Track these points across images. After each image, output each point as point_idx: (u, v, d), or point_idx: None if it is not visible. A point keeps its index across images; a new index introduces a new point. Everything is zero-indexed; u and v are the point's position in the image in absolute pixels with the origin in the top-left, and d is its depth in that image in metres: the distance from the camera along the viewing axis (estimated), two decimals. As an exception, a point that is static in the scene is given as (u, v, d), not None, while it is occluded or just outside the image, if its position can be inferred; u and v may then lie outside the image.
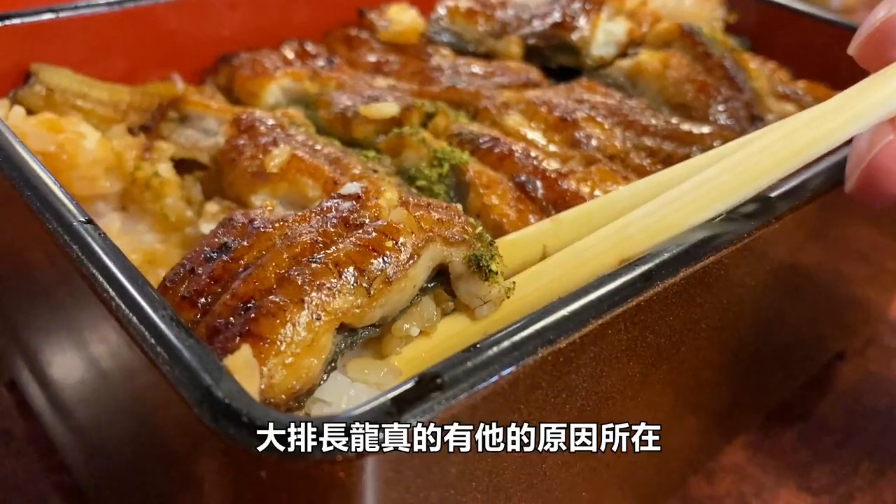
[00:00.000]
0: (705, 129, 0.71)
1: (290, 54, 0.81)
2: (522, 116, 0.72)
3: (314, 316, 0.41)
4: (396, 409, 0.35)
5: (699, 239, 0.48)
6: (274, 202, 0.49)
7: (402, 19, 0.88)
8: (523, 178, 0.62)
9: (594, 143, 0.69)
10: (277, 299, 0.41)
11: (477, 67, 0.81)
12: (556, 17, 0.85)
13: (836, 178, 0.56)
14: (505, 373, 0.37)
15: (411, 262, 0.44)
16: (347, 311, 0.42)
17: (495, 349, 0.38)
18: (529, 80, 0.80)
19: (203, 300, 0.43)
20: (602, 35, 0.84)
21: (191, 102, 0.71)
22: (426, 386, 0.36)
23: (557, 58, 0.85)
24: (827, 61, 0.92)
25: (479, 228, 0.49)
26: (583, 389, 0.44)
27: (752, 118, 0.75)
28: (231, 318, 0.41)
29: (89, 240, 0.43)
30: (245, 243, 0.45)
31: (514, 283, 0.48)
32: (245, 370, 0.36)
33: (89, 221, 0.45)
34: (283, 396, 0.40)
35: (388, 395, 0.35)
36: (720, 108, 0.75)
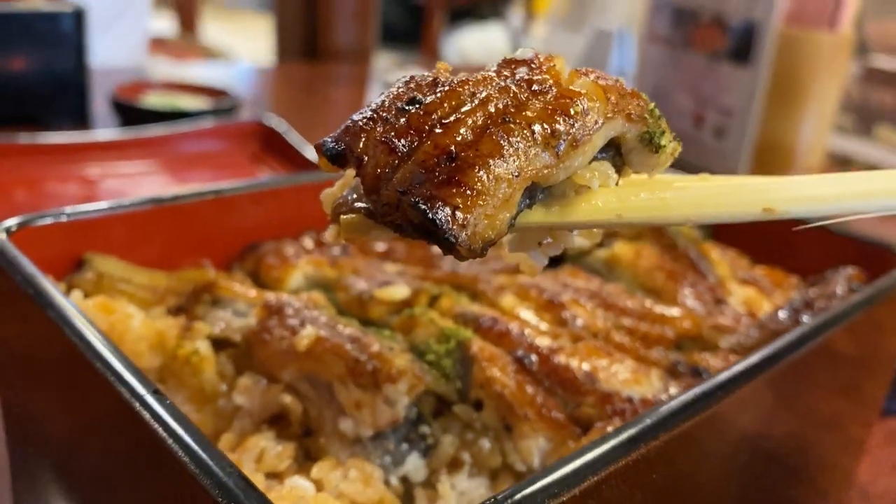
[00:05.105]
0: (675, 312, 0.81)
1: (308, 244, 0.91)
2: (516, 298, 0.82)
3: (513, 173, 0.43)
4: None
5: (678, 406, 0.56)
6: (448, 65, 0.50)
7: (406, 212, 1.00)
8: (520, 353, 0.71)
9: (579, 322, 0.78)
10: (481, 152, 0.43)
11: (473, 255, 0.91)
12: (542, 211, 0.97)
13: (805, 344, 0.65)
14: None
15: (597, 127, 0.47)
16: (539, 170, 0.45)
17: None
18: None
19: (402, 147, 0.44)
20: (582, 227, 0.95)
21: (222, 288, 0.80)
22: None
23: (543, 246, 0.96)
24: (783, 248, 1.05)
25: (652, 105, 0.51)
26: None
27: (717, 301, 0.86)
28: (435, 168, 0.42)
29: (161, 409, 0.51)
30: (437, 97, 0.46)
31: (680, 143, 0.51)
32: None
33: (156, 392, 0.53)
34: (480, 244, 0.43)
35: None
36: (687, 291, 0.85)
